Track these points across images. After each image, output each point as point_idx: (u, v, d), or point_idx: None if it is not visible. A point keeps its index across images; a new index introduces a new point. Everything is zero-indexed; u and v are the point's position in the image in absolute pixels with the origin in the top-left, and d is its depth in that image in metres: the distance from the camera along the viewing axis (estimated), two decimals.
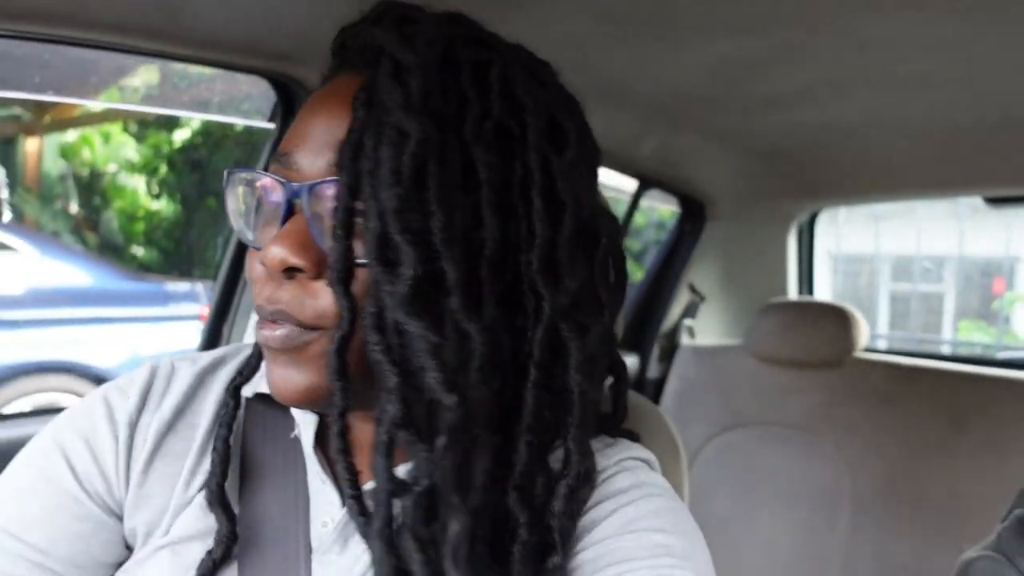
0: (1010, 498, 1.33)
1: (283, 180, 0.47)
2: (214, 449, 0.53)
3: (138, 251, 5.70)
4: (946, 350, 5.30)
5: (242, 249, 1.21)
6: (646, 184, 1.73)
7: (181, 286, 3.93)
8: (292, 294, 0.46)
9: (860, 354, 1.56)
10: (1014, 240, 4.99)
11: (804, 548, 1.48)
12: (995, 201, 1.69)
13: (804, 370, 1.59)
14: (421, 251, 0.43)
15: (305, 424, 0.55)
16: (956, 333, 5.20)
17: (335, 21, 0.57)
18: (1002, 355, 3.99)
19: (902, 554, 1.37)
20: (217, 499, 0.51)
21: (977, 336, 5.14)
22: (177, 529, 0.53)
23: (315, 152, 0.47)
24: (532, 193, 0.47)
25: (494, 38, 0.52)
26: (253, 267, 0.49)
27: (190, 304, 3.59)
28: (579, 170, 0.50)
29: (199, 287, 3.78)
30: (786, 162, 1.66)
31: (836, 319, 1.56)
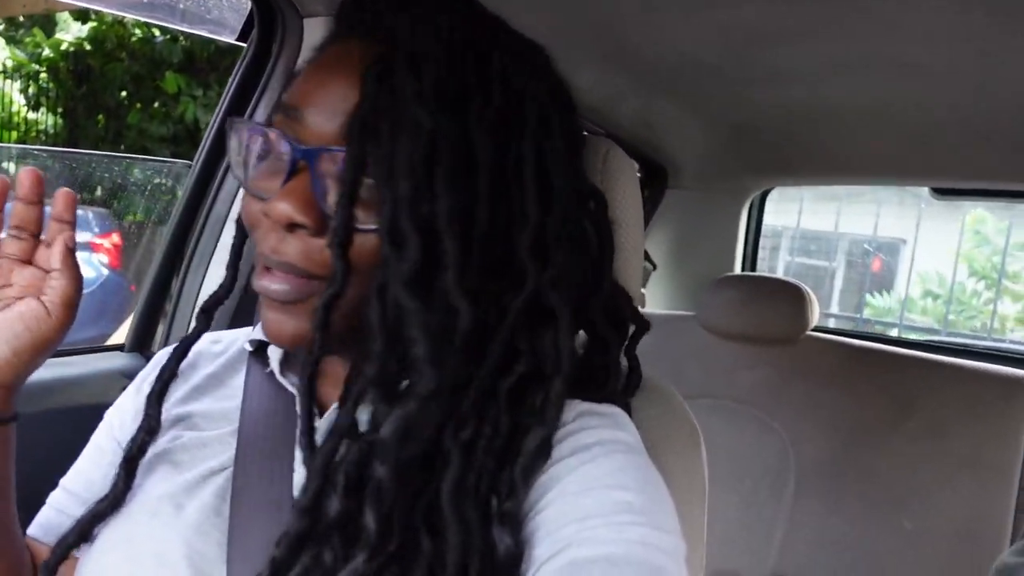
0: (950, 479, 1.42)
1: (294, 140, 0.49)
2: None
3: (10, 167, 5.15)
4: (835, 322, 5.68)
5: (184, 234, 1.06)
6: None
7: None
8: (297, 248, 0.49)
9: (812, 333, 1.59)
10: (889, 223, 5.41)
11: (746, 520, 1.52)
12: (941, 192, 1.76)
13: (755, 346, 1.61)
14: (426, 235, 0.46)
15: (274, 358, 0.60)
16: (866, 298, 5.54)
17: None
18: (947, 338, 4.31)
19: (841, 527, 1.42)
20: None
21: (878, 299, 5.51)
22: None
23: (326, 116, 0.49)
24: (525, 178, 0.50)
25: (493, 22, 0.55)
26: (251, 212, 0.51)
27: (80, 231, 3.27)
28: (567, 156, 0.53)
29: (89, 213, 3.44)
30: (755, 137, 1.64)
31: (791, 296, 1.58)
